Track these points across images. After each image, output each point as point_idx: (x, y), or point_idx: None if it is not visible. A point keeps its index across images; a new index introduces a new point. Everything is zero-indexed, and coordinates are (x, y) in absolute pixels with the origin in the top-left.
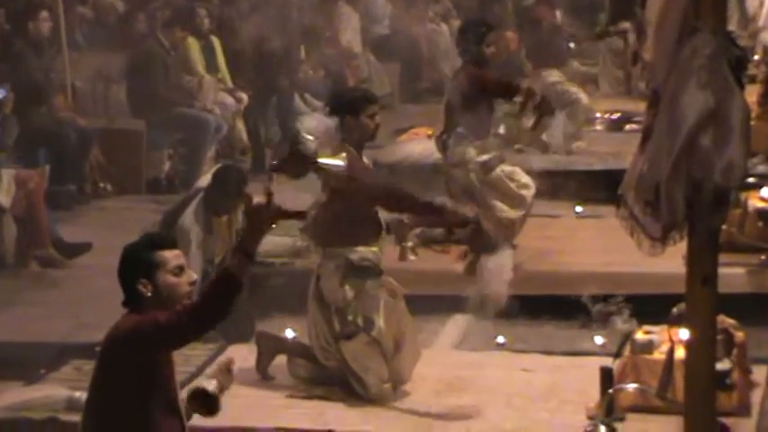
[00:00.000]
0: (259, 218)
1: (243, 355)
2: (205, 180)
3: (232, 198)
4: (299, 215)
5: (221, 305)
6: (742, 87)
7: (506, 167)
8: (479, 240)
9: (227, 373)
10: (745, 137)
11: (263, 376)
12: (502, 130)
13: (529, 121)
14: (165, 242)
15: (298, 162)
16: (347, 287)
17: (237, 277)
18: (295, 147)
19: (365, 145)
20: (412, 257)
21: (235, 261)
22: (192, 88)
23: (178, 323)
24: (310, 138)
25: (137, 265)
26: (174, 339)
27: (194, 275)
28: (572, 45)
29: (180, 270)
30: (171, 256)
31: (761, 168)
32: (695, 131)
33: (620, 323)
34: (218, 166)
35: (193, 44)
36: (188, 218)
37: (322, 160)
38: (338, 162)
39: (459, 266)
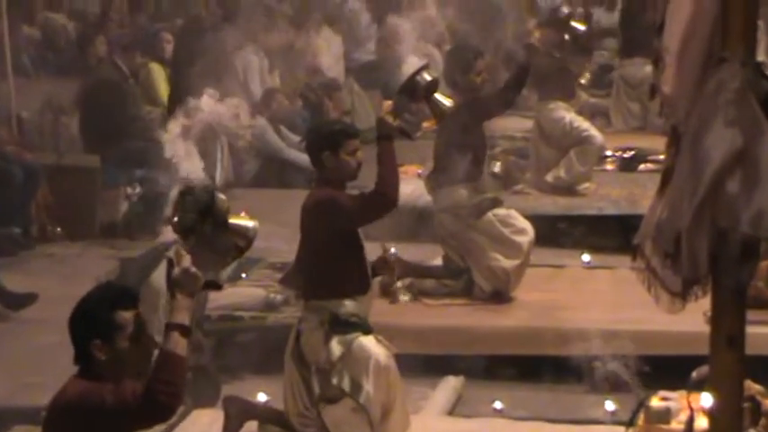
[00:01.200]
0: (182, 287)
1: (208, 421)
2: None
3: (217, 254)
4: (216, 286)
5: (170, 392)
6: None
7: (500, 211)
8: None
9: None
10: None
11: None
12: (497, 168)
13: None
14: (127, 300)
15: (213, 224)
16: (332, 345)
17: (178, 357)
18: (210, 207)
19: (347, 185)
20: (404, 298)
21: (170, 339)
22: (154, 120)
23: (125, 411)
24: (222, 197)
25: (93, 324)
26: (119, 427)
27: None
28: (583, 81)
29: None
30: (132, 317)
31: None
32: (721, 174)
33: (634, 388)
34: None
35: (158, 71)
36: (161, 276)
37: (233, 221)
38: (248, 223)
39: (453, 321)
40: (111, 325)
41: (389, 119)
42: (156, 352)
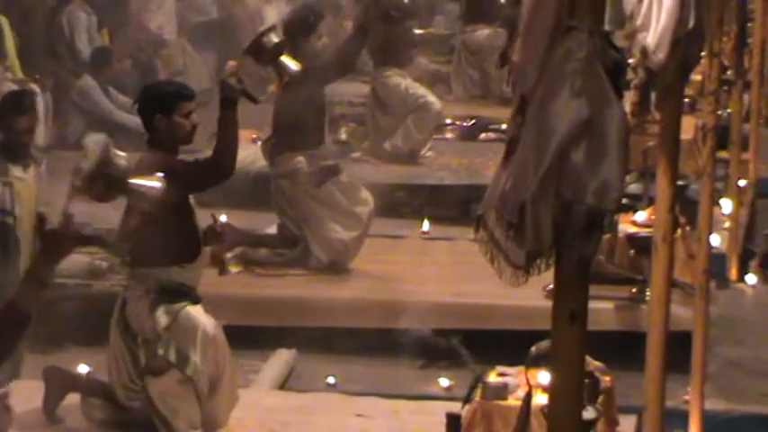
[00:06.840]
0: (55, 243)
1: (27, 392)
2: None
3: None
4: (99, 241)
5: (3, 344)
6: (620, 96)
7: (341, 180)
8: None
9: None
10: (623, 153)
11: (50, 419)
12: (343, 135)
13: None
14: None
15: (107, 184)
16: (158, 315)
17: (27, 312)
18: (104, 165)
19: (180, 149)
20: (234, 270)
21: (25, 292)
22: None
23: None
24: (121, 154)
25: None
26: None
27: None
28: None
29: None
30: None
31: (634, 188)
32: (566, 145)
33: (471, 363)
34: None
35: (4, 23)
36: None
37: (135, 181)
38: (154, 183)
39: (287, 292)
40: None
41: (233, 81)
42: None
